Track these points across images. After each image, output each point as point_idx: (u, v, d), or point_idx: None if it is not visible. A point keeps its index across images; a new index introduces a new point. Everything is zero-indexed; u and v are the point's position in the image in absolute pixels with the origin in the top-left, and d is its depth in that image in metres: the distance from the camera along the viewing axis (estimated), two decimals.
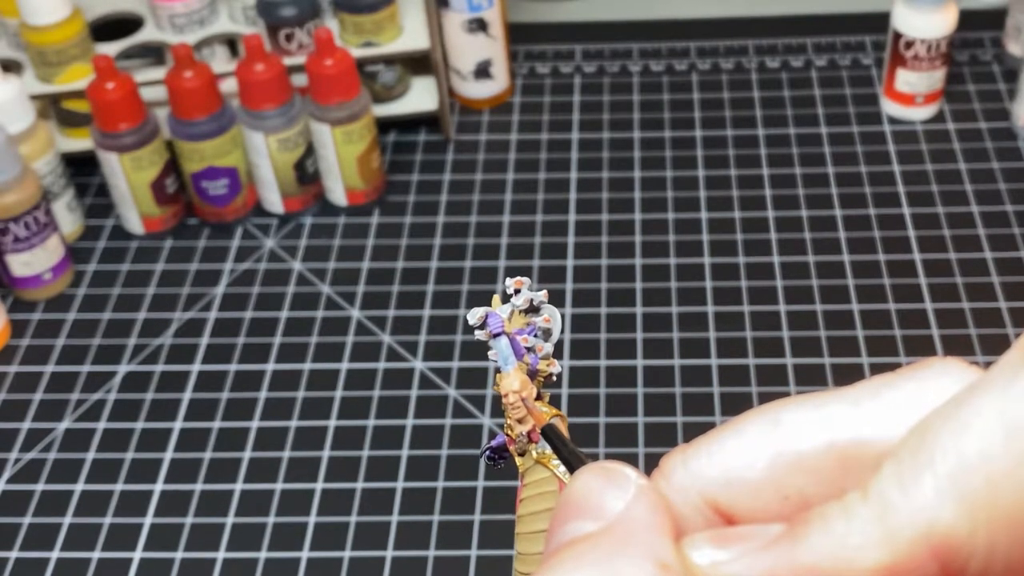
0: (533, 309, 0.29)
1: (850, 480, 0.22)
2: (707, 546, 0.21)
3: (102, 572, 0.71)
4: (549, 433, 0.27)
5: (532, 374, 0.29)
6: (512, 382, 0.28)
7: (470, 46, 1.00)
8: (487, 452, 0.30)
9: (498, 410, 0.79)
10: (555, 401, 0.30)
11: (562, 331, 0.30)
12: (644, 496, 0.22)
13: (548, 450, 0.29)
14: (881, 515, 0.20)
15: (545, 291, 0.29)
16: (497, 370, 0.29)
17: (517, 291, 0.29)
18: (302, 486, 0.75)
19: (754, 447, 0.23)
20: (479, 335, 0.29)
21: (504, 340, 0.28)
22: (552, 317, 0.29)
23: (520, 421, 0.28)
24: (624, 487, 0.22)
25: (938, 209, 0.91)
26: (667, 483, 0.23)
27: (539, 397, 0.29)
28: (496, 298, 0.29)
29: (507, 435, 0.29)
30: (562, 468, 0.28)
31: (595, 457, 0.27)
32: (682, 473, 0.23)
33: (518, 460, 0.29)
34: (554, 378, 0.29)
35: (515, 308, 0.29)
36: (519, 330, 0.29)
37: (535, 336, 0.29)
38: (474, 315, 0.28)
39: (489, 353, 0.29)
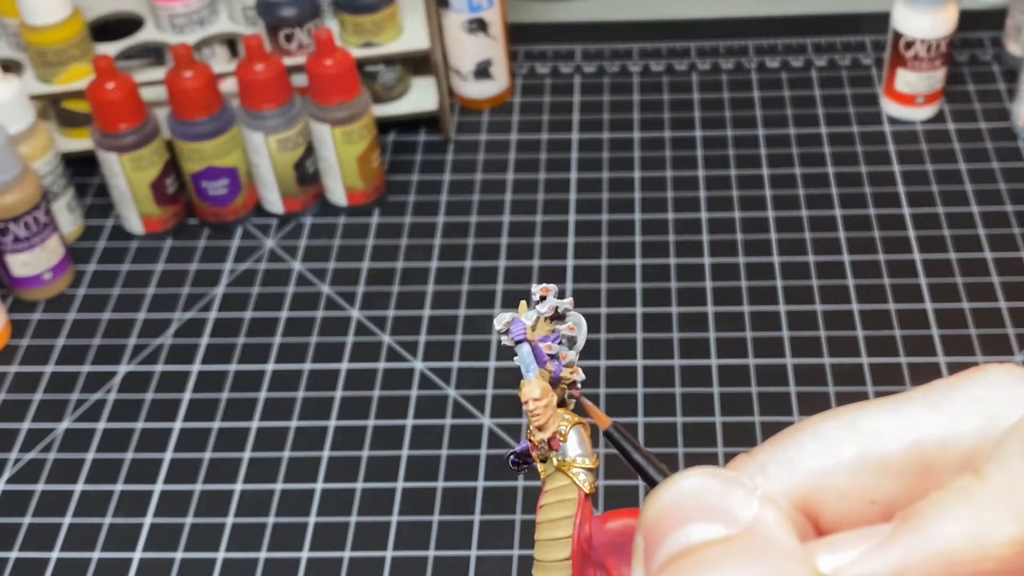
0: (558, 316, 0.29)
1: (932, 482, 0.22)
2: (822, 553, 0.21)
3: (102, 572, 0.71)
4: (614, 435, 0.27)
5: (555, 381, 0.29)
6: (532, 389, 0.28)
7: (470, 46, 1.00)
8: (511, 457, 0.30)
9: (498, 410, 0.79)
10: None
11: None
12: (770, 503, 0.21)
13: (568, 457, 0.29)
14: (1007, 491, 0.20)
15: (571, 299, 0.29)
16: (521, 376, 0.29)
17: (543, 298, 0.29)
18: (302, 486, 0.75)
19: (837, 451, 0.22)
20: (504, 340, 0.29)
21: (526, 347, 0.28)
22: (577, 325, 0.29)
23: (541, 428, 0.28)
24: (749, 493, 0.21)
25: (938, 209, 0.91)
26: None
27: (562, 404, 0.29)
28: (523, 304, 0.29)
29: (530, 441, 0.29)
30: (582, 476, 0.28)
31: (600, 459, 0.27)
32: (763, 479, 0.22)
33: (540, 466, 0.29)
34: (578, 385, 0.29)
35: (540, 315, 0.29)
36: (543, 337, 0.29)
37: (559, 343, 0.29)
38: (500, 320, 0.28)
39: (515, 359, 0.29)
